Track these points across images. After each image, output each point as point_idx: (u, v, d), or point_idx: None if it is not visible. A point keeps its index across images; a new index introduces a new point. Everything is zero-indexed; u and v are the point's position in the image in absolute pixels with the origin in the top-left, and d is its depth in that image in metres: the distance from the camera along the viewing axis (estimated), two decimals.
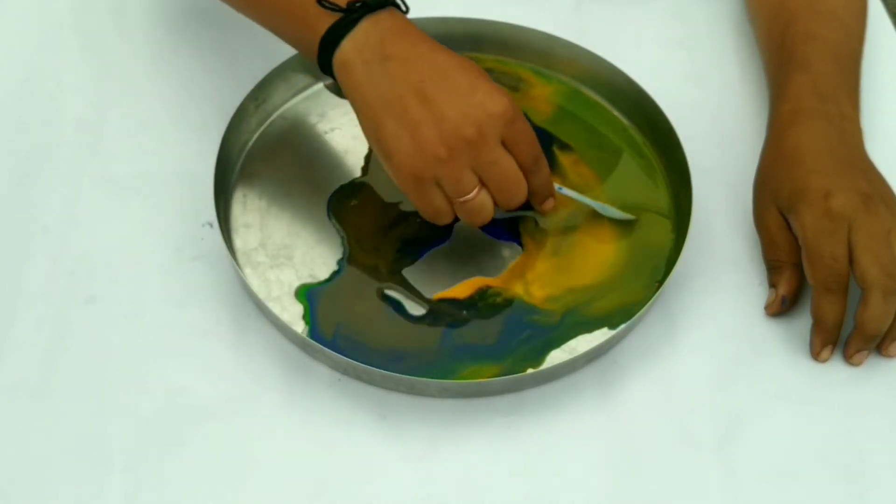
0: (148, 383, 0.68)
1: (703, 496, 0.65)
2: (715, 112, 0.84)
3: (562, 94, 0.83)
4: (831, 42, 0.79)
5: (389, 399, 0.68)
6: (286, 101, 0.81)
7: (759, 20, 0.86)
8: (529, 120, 0.68)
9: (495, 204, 0.67)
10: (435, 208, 0.66)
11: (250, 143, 0.79)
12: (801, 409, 0.69)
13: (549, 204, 0.71)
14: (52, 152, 0.79)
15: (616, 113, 0.82)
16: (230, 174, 0.77)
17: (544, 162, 0.69)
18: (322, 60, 0.68)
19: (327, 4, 0.67)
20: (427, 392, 0.68)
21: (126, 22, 0.88)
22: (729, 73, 0.87)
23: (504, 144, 0.65)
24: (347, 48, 0.66)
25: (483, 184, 0.66)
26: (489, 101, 0.64)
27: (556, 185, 0.72)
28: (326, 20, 0.67)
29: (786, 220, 0.72)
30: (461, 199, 0.65)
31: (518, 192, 0.67)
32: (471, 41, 0.84)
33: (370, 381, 0.68)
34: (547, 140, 0.80)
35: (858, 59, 0.81)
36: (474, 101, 0.64)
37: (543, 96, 0.83)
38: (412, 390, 0.68)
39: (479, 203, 0.66)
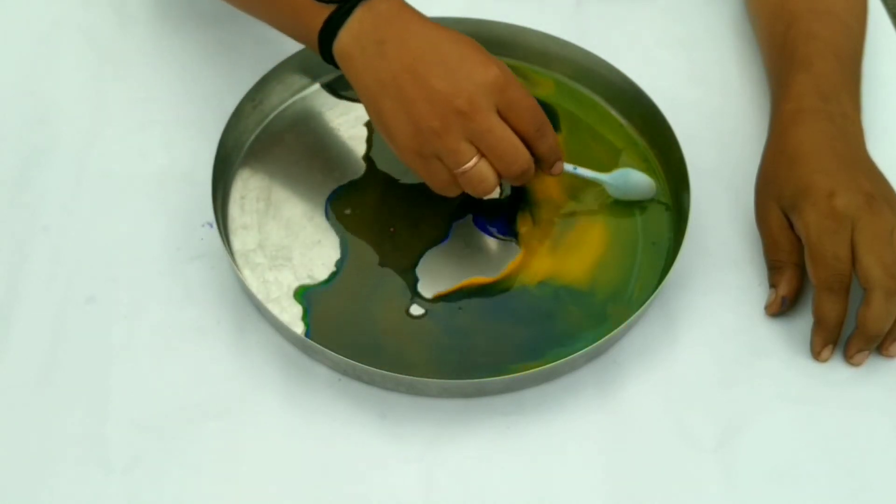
0: (148, 383, 0.68)
1: (703, 496, 0.65)
2: (715, 112, 0.84)
3: (560, 93, 0.83)
4: (832, 42, 0.79)
5: (389, 399, 0.68)
6: (283, 101, 0.81)
7: (760, 20, 0.86)
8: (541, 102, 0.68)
9: (501, 176, 0.68)
10: (441, 181, 0.68)
11: (248, 144, 0.79)
12: (801, 409, 0.69)
13: (558, 168, 0.71)
14: (51, 152, 0.79)
15: (615, 113, 0.82)
16: (228, 175, 0.77)
17: (549, 129, 0.69)
18: (323, 53, 0.70)
19: None
20: (427, 392, 0.68)
21: (125, 22, 0.88)
22: (729, 73, 0.87)
23: (501, 114, 0.66)
24: (344, 38, 0.68)
25: (482, 154, 0.67)
26: (478, 71, 0.66)
27: (571, 166, 0.73)
28: (322, 13, 0.68)
29: (788, 220, 0.72)
30: (460, 171, 0.67)
31: (517, 159, 0.67)
32: None
33: (370, 381, 0.68)
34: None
35: (859, 59, 0.81)
36: (463, 73, 0.66)
37: (542, 96, 0.83)
38: (412, 390, 0.68)
39: (479, 173, 0.67)
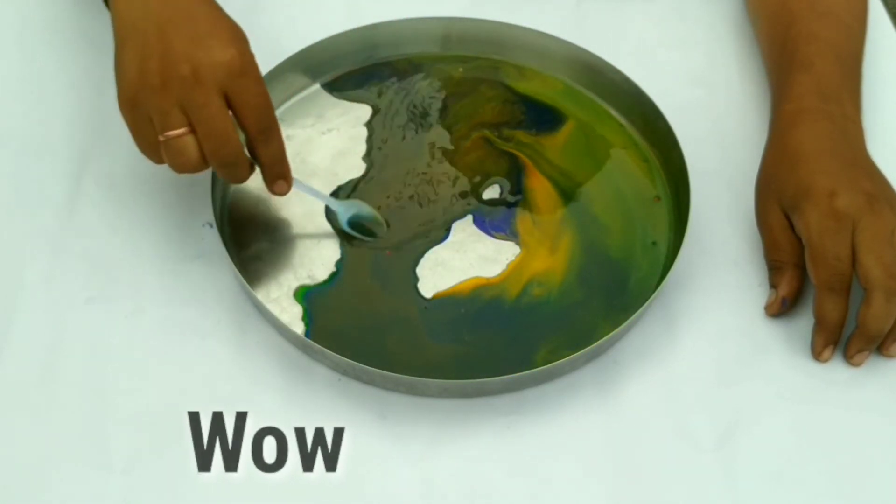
0: (148, 383, 0.68)
1: (703, 496, 0.65)
2: (715, 112, 0.84)
3: (560, 93, 0.83)
4: (833, 42, 0.79)
5: (389, 399, 0.68)
6: (283, 102, 0.81)
7: (760, 20, 0.86)
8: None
9: (207, 160, 0.66)
10: (145, 141, 0.67)
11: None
12: (801, 409, 0.69)
13: (280, 187, 0.70)
14: (51, 152, 0.79)
15: (615, 113, 0.82)
16: None
17: (275, 136, 0.68)
18: None
19: None
20: (427, 392, 0.68)
21: None
22: (729, 74, 0.87)
23: (228, 100, 0.65)
24: None
25: (193, 130, 0.65)
26: (217, 48, 0.65)
27: (305, 185, 0.72)
28: None
29: (788, 220, 0.72)
30: (164, 136, 0.65)
31: (225, 144, 0.66)
32: (470, 41, 0.84)
33: (370, 382, 0.68)
34: (553, 121, 0.81)
35: (860, 59, 0.81)
36: (203, 44, 0.65)
37: (542, 95, 0.83)
38: (412, 390, 0.68)
39: (181, 144, 0.65)
